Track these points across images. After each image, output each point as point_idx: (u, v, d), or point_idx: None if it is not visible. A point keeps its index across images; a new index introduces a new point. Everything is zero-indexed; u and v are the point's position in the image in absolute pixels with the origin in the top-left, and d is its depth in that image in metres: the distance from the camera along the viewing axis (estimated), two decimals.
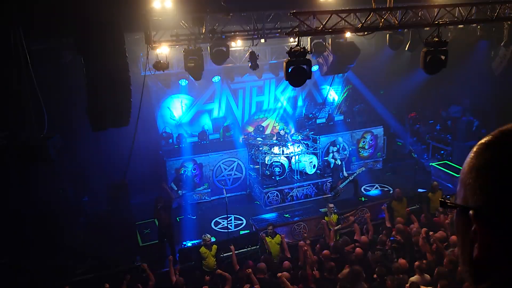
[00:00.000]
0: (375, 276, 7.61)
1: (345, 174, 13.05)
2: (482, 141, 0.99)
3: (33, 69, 7.36)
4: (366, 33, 8.83)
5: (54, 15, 7.58)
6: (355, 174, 12.98)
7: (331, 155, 13.70)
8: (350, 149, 15.36)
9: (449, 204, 1.03)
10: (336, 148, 14.24)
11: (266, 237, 9.68)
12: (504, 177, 0.90)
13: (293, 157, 13.85)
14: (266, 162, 13.78)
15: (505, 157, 0.92)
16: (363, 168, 13.56)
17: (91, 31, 7.64)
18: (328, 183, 13.81)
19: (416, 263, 7.56)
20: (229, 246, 9.36)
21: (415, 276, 7.42)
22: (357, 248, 8.72)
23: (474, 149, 1.00)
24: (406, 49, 11.92)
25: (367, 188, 14.32)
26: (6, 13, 7.09)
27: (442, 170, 14.10)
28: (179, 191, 12.69)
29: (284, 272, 7.94)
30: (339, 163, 13.07)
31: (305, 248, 8.61)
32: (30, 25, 7.49)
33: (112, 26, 7.76)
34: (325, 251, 8.78)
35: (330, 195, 13.33)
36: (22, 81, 7.34)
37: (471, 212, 0.95)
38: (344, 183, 12.82)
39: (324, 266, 8.27)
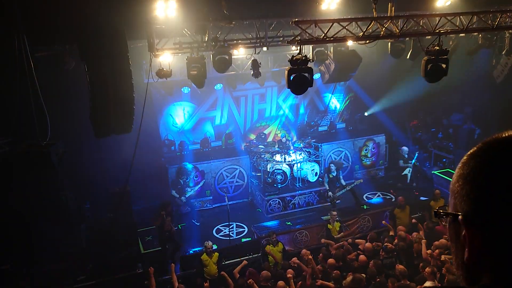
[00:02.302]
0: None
1: (343, 183, 12.96)
2: (469, 152, 1.07)
3: (36, 76, 7.41)
4: (367, 41, 8.87)
5: (58, 22, 7.65)
6: (352, 186, 12.86)
7: (408, 169, 13.67)
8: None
9: (441, 213, 1.10)
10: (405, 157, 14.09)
11: (268, 246, 9.69)
12: (487, 184, 0.98)
13: (295, 165, 13.86)
14: (268, 170, 13.79)
15: (488, 166, 0.99)
16: (361, 180, 13.43)
17: (94, 38, 7.71)
18: (328, 192, 13.81)
19: (428, 269, 7.55)
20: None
21: (428, 282, 7.42)
22: (361, 256, 8.72)
23: (462, 159, 1.07)
24: (408, 57, 11.96)
25: (369, 196, 14.30)
26: (10, 20, 7.16)
27: (444, 178, 14.07)
28: (182, 198, 12.69)
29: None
30: (335, 173, 12.91)
31: (310, 257, 8.59)
32: (34, 32, 7.56)
33: (115, 33, 7.83)
34: (329, 260, 8.77)
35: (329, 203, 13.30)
36: (26, 88, 7.39)
37: (460, 217, 1.02)
38: (340, 192, 12.75)
39: (329, 274, 8.25)
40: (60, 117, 9.05)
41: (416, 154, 14.04)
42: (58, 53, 9.65)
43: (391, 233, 9.97)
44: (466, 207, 1.01)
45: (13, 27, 7.18)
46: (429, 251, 8.49)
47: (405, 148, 14.42)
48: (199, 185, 13.50)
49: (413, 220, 10.53)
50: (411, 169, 13.77)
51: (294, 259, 8.92)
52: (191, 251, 11.17)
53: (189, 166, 13.33)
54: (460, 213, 1.02)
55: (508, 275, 0.95)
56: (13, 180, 9.47)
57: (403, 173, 14.05)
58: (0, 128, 8.38)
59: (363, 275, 7.92)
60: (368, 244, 9.35)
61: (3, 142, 8.09)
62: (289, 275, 7.96)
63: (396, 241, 9.39)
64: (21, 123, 7.81)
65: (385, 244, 9.07)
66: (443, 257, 8.19)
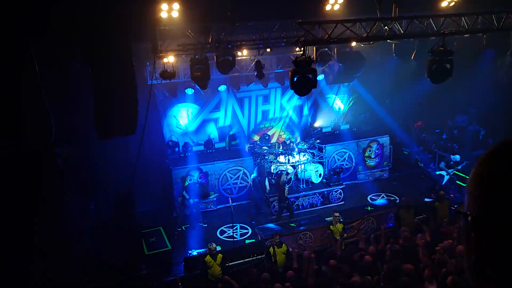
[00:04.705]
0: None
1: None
2: (486, 151, 1.04)
3: (41, 78, 7.43)
4: (371, 42, 8.86)
5: (62, 24, 7.68)
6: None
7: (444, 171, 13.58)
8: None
9: (455, 210, 1.09)
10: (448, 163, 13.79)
11: (272, 246, 9.67)
12: (499, 186, 0.95)
13: (299, 166, 13.83)
14: (272, 171, 13.77)
15: (502, 168, 0.97)
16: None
17: (99, 40, 7.73)
18: (334, 192, 13.80)
19: (427, 271, 7.51)
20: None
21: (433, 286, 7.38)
22: (366, 256, 8.69)
23: (479, 159, 1.05)
24: (412, 58, 11.93)
25: (374, 197, 14.26)
26: (15, 22, 7.19)
27: None
28: (190, 200, 12.69)
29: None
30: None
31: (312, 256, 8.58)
32: (38, 34, 7.59)
33: (119, 35, 7.84)
34: (332, 261, 8.75)
35: (335, 205, 13.27)
36: (30, 90, 7.42)
37: (469, 218, 1.00)
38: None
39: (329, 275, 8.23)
40: (65, 120, 9.09)
41: (465, 163, 13.49)
42: (63, 55, 9.68)
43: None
44: (476, 208, 0.99)
45: (18, 28, 7.21)
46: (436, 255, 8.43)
47: (457, 157, 13.78)
48: (213, 196, 13.53)
49: (415, 220, 10.47)
50: (449, 176, 13.46)
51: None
52: (194, 253, 11.17)
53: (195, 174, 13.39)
54: (470, 214, 1.01)
55: None
56: (17, 181, 9.50)
57: (438, 172, 13.85)
58: (5, 130, 8.41)
59: (368, 278, 7.89)
60: (371, 248, 9.30)
61: (8, 144, 8.11)
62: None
63: (400, 242, 9.37)
64: (26, 125, 7.83)
65: (394, 245, 9.02)
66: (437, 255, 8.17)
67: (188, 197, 12.65)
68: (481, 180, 1.00)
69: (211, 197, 13.60)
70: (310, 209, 13.55)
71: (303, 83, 8.10)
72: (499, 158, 1.00)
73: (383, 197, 14.24)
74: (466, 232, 1.03)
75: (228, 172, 13.93)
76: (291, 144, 14.93)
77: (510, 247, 0.93)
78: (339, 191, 13.92)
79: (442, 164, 13.73)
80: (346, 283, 7.78)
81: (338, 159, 15.13)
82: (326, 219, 11.76)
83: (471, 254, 1.01)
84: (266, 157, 14.21)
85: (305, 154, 14.25)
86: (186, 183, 13.11)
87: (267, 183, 13.20)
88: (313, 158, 14.38)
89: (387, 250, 8.96)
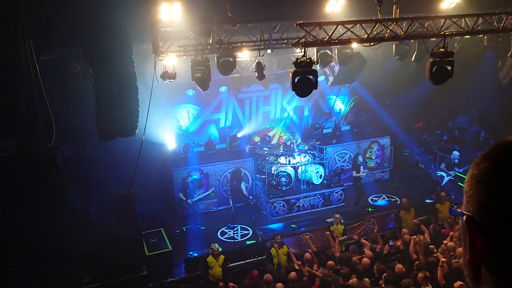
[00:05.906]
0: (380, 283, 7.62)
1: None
2: (483, 152, 1.05)
3: (42, 79, 7.45)
4: (372, 43, 8.85)
5: (63, 26, 7.70)
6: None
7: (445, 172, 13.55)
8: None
9: (453, 210, 1.10)
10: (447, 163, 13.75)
11: (273, 248, 9.67)
12: (493, 186, 0.96)
13: (300, 167, 13.83)
14: (273, 172, 13.77)
15: (496, 168, 0.98)
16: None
17: (99, 41, 7.74)
18: (334, 193, 13.79)
19: (420, 274, 7.52)
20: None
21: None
22: (364, 259, 8.68)
23: (475, 159, 1.05)
24: (413, 59, 11.92)
25: (374, 198, 14.25)
26: (15, 24, 7.21)
27: None
28: (188, 200, 12.68)
29: None
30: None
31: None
32: (39, 35, 7.60)
33: (120, 36, 7.86)
34: (330, 262, 8.75)
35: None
36: (31, 91, 7.43)
37: (464, 218, 1.01)
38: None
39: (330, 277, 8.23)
40: (66, 120, 9.09)
41: (467, 167, 13.41)
42: (64, 56, 9.70)
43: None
44: (471, 208, 1.00)
45: (19, 30, 7.22)
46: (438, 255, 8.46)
47: (456, 153, 13.78)
48: (208, 192, 13.51)
49: (415, 221, 10.46)
50: (450, 177, 13.46)
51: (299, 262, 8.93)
52: (194, 254, 11.16)
53: (196, 176, 13.36)
54: (465, 213, 1.01)
55: (510, 281, 0.93)
56: (18, 182, 9.52)
57: (438, 173, 13.82)
58: (6, 131, 8.42)
59: (366, 279, 7.90)
60: (368, 252, 9.24)
61: (9, 145, 8.13)
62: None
63: (399, 243, 9.37)
64: (27, 126, 7.84)
65: (393, 242, 9.06)
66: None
67: (184, 198, 12.64)
68: (475, 180, 1.01)
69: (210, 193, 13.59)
70: (311, 210, 13.54)
71: (303, 84, 8.09)
72: (493, 159, 1.00)
73: (383, 198, 14.23)
74: (463, 231, 1.05)
75: (228, 173, 13.93)
76: (292, 145, 14.93)
77: (502, 247, 0.93)
78: (339, 192, 13.91)
79: (443, 165, 13.72)
80: (345, 285, 7.79)
81: (339, 160, 15.14)
82: (327, 220, 11.75)
83: (466, 254, 1.02)
84: (266, 158, 14.20)
85: (305, 155, 14.24)
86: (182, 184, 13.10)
87: (243, 186, 13.23)
88: (313, 159, 14.37)
89: (385, 251, 8.99)
